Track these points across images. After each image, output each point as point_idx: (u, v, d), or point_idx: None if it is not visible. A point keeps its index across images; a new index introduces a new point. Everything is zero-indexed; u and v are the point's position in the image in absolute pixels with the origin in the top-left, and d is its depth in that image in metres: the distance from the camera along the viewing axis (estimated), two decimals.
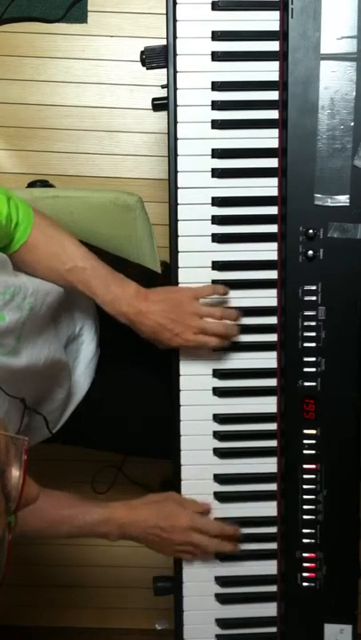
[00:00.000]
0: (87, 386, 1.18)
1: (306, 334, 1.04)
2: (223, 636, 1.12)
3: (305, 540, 1.07)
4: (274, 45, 1.02)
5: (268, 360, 1.07)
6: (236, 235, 1.05)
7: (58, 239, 1.03)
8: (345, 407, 1.05)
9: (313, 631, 1.08)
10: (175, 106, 1.02)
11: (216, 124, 1.03)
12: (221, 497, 1.09)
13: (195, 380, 1.07)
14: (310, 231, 1.02)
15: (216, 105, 1.03)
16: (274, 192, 1.04)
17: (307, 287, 1.03)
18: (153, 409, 1.17)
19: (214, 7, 1.01)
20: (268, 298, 1.06)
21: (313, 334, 1.03)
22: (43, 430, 1.09)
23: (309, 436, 1.05)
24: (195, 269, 1.05)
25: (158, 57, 1.02)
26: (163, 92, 1.04)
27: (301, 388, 1.05)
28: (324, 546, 1.06)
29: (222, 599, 1.11)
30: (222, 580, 1.11)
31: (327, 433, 1.05)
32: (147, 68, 1.03)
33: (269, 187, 1.04)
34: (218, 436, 1.08)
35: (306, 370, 1.04)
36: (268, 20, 1.02)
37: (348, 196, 1.01)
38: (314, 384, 1.04)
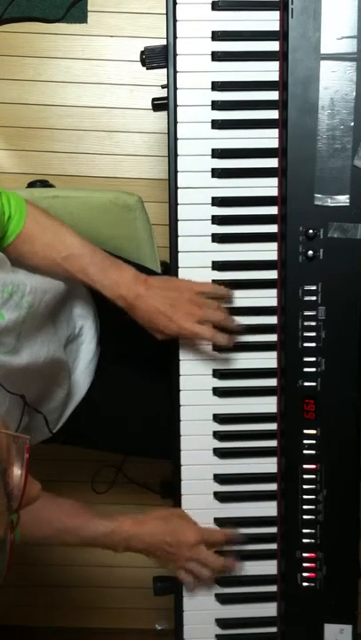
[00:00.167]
0: (87, 385, 1.18)
1: (306, 334, 1.04)
2: (223, 636, 1.12)
3: (305, 540, 1.07)
4: (274, 45, 1.02)
5: (268, 360, 1.07)
6: (236, 235, 1.05)
7: (52, 229, 1.03)
8: (345, 407, 1.05)
9: (313, 631, 1.08)
10: (175, 106, 1.02)
11: (216, 124, 1.03)
12: (221, 497, 1.09)
13: (195, 380, 1.07)
14: (310, 231, 1.02)
15: (216, 105, 1.03)
16: (274, 192, 1.04)
17: (307, 287, 1.03)
18: (153, 409, 1.17)
19: (214, 7, 1.01)
20: (268, 298, 1.06)
21: (313, 334, 1.03)
22: (43, 430, 1.09)
23: (309, 436, 1.05)
24: (195, 269, 1.05)
25: (158, 57, 1.02)
26: (163, 92, 1.04)
27: (301, 388, 1.05)
28: (324, 546, 1.06)
29: (222, 599, 1.11)
30: (222, 580, 1.11)
31: (327, 433, 1.05)
32: (147, 68, 1.03)
33: (269, 187, 1.04)
34: (218, 436, 1.08)
35: (306, 370, 1.04)
36: (268, 20, 1.02)
37: (348, 196, 1.01)
38: (314, 384, 1.04)
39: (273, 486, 1.09)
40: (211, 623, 1.11)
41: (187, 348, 1.06)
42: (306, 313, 1.03)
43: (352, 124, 1.00)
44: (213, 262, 1.05)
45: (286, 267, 1.03)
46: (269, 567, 1.10)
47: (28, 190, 1.56)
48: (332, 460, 1.05)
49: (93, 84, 1.92)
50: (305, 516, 1.06)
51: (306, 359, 1.04)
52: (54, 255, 1.02)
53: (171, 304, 1.01)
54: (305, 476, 1.06)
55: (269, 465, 1.09)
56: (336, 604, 1.08)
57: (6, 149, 1.94)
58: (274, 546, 1.09)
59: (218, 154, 1.03)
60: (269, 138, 1.04)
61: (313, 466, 1.06)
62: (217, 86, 1.02)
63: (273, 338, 1.07)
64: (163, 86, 1.03)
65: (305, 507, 1.06)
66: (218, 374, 1.07)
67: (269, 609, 1.11)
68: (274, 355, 1.07)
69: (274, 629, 1.11)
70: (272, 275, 1.06)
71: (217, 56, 1.02)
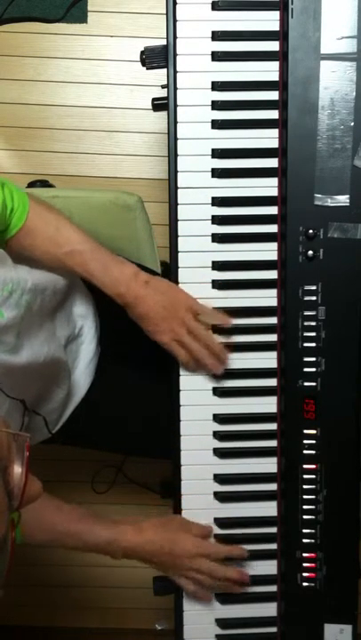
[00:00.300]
0: (87, 386, 1.18)
1: (306, 334, 1.04)
2: (223, 636, 1.12)
3: (305, 540, 1.07)
4: (274, 45, 1.02)
5: (268, 360, 1.07)
6: (236, 235, 1.05)
7: (54, 223, 1.03)
8: (345, 407, 1.05)
9: (313, 631, 1.08)
10: (175, 106, 1.02)
11: (216, 124, 1.03)
12: (221, 497, 1.09)
13: (195, 380, 1.07)
14: (310, 231, 1.02)
15: (216, 105, 1.03)
16: (274, 192, 1.04)
17: (307, 287, 1.03)
18: (153, 409, 1.17)
19: (214, 7, 1.01)
20: (268, 298, 1.06)
21: (313, 334, 1.03)
22: (42, 431, 1.09)
23: (309, 436, 1.05)
24: (195, 269, 1.05)
25: (158, 57, 1.02)
26: (163, 92, 1.04)
27: (301, 388, 1.05)
28: (324, 546, 1.06)
29: (222, 599, 1.11)
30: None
31: (327, 433, 1.05)
32: (147, 68, 1.03)
33: (269, 187, 1.04)
34: (218, 436, 1.08)
35: (306, 370, 1.04)
36: (268, 20, 1.02)
37: (348, 196, 1.01)
38: (314, 384, 1.04)
39: (273, 486, 1.09)
40: (211, 623, 1.11)
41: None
42: (306, 313, 1.03)
43: (352, 123, 1.00)
44: (213, 262, 1.05)
45: (286, 267, 1.03)
46: (269, 567, 1.10)
47: (28, 190, 1.56)
48: (332, 459, 1.05)
49: (93, 83, 1.92)
50: (305, 516, 1.06)
51: (306, 359, 1.04)
52: (56, 250, 1.02)
53: (163, 315, 1.02)
54: (305, 476, 1.06)
55: (269, 465, 1.09)
56: (336, 604, 1.08)
57: (6, 149, 1.94)
58: (274, 546, 1.09)
59: (218, 154, 1.03)
60: (269, 138, 1.04)
61: (313, 466, 1.06)
62: (217, 86, 1.02)
63: (273, 338, 1.07)
64: (163, 86, 1.03)
65: (305, 507, 1.06)
66: (218, 374, 1.07)
67: (269, 609, 1.11)
68: (274, 355, 1.07)
69: (274, 629, 1.11)
70: (272, 275, 1.06)
71: (217, 56, 1.02)
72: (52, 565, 1.94)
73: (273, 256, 1.05)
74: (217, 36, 1.01)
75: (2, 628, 1.89)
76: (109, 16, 1.90)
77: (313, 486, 1.06)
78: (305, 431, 1.05)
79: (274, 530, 1.09)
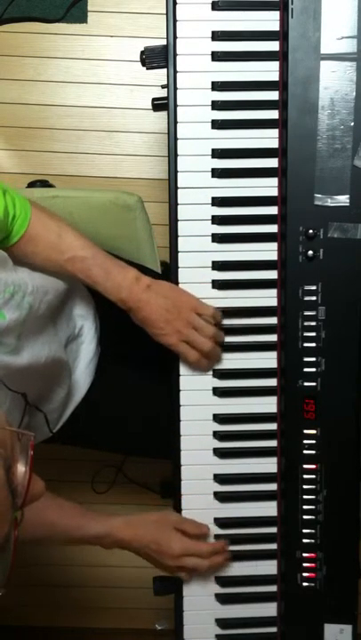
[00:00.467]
0: (87, 386, 1.18)
1: (306, 334, 1.04)
2: (223, 636, 1.12)
3: (305, 540, 1.07)
4: (274, 45, 1.02)
5: (268, 360, 1.07)
6: (236, 235, 1.05)
7: (56, 230, 1.03)
8: (345, 407, 1.05)
9: (313, 631, 1.08)
10: (175, 106, 1.02)
11: (216, 124, 1.03)
12: (221, 497, 1.09)
13: (195, 380, 1.07)
14: (310, 231, 1.02)
15: (216, 105, 1.03)
16: (274, 192, 1.04)
17: (307, 287, 1.03)
18: (153, 409, 1.17)
19: (214, 7, 1.01)
20: (268, 298, 1.06)
21: (313, 334, 1.03)
22: (43, 429, 1.09)
23: (309, 436, 1.05)
24: (195, 269, 1.05)
25: (158, 57, 1.02)
26: (163, 92, 1.04)
27: (301, 388, 1.05)
28: (324, 546, 1.06)
29: (222, 599, 1.11)
30: (222, 580, 1.11)
31: (327, 433, 1.05)
32: (147, 68, 1.03)
33: (269, 187, 1.04)
34: (218, 436, 1.08)
35: (306, 370, 1.04)
36: (268, 20, 1.02)
37: (348, 196, 1.01)
38: (314, 384, 1.04)
39: (273, 486, 1.09)
40: (211, 623, 1.11)
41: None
42: (306, 313, 1.03)
43: (352, 123, 1.00)
44: (213, 262, 1.05)
45: (286, 267, 1.03)
46: (269, 567, 1.10)
47: (28, 190, 1.56)
48: (332, 460, 1.05)
49: (93, 83, 1.92)
50: (305, 516, 1.06)
51: (306, 359, 1.04)
52: (57, 256, 1.02)
53: (167, 318, 1.02)
54: (305, 476, 1.06)
55: (269, 465, 1.09)
56: (336, 604, 1.08)
57: (6, 149, 1.94)
58: (274, 546, 1.09)
59: (218, 154, 1.03)
60: (269, 138, 1.04)
61: (313, 466, 1.06)
62: (217, 86, 1.02)
63: (273, 338, 1.07)
64: (163, 86, 1.03)
65: (305, 507, 1.06)
66: (218, 374, 1.07)
67: (269, 609, 1.11)
68: (274, 355, 1.07)
69: (274, 629, 1.11)
70: (272, 275, 1.06)
71: (217, 56, 1.02)
72: (53, 565, 1.94)
73: (273, 256, 1.05)
74: (217, 35, 1.01)
75: (2, 628, 1.89)
76: (109, 16, 1.90)
77: (313, 486, 1.06)
78: (305, 431, 1.05)
79: (274, 530, 1.09)
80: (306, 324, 1.03)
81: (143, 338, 1.04)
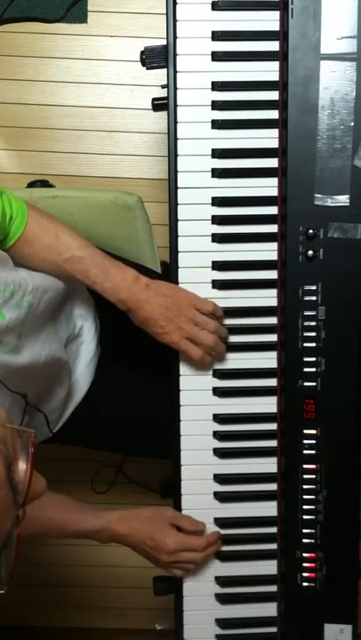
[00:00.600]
0: (87, 386, 1.18)
1: (306, 334, 1.04)
2: (223, 636, 1.12)
3: (305, 540, 1.07)
4: (274, 45, 1.02)
5: (268, 360, 1.07)
6: (236, 235, 1.05)
7: (54, 231, 1.03)
8: (345, 407, 1.05)
9: (313, 631, 1.08)
10: (175, 106, 1.02)
11: (216, 124, 1.03)
12: (221, 497, 1.09)
13: (195, 380, 1.07)
14: (310, 231, 1.02)
15: (216, 105, 1.03)
16: (274, 192, 1.04)
17: (307, 287, 1.03)
18: (153, 409, 1.17)
19: (214, 7, 1.01)
20: (268, 298, 1.06)
21: (313, 334, 1.03)
22: (43, 429, 1.09)
23: (309, 436, 1.05)
24: (195, 269, 1.05)
25: (158, 57, 1.02)
26: (163, 92, 1.04)
27: (301, 388, 1.05)
28: (324, 546, 1.06)
29: (222, 599, 1.11)
30: (222, 580, 1.11)
31: (327, 433, 1.05)
32: (147, 68, 1.03)
33: (269, 187, 1.04)
34: (218, 436, 1.08)
35: (306, 370, 1.04)
36: (268, 19, 1.01)
37: (348, 196, 1.01)
38: (314, 384, 1.04)
39: (273, 486, 1.09)
40: (211, 623, 1.11)
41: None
42: (306, 313, 1.03)
43: (352, 123, 1.00)
44: (213, 262, 1.05)
45: (286, 267, 1.03)
46: (269, 567, 1.10)
47: (28, 190, 1.56)
48: (332, 460, 1.05)
49: (93, 83, 1.92)
50: (305, 516, 1.06)
51: (306, 359, 1.04)
52: (56, 257, 1.02)
53: (167, 316, 1.02)
54: (305, 476, 1.06)
55: (269, 465, 1.09)
56: (336, 604, 1.08)
57: (6, 149, 1.94)
58: (274, 546, 1.09)
59: (218, 154, 1.03)
60: (269, 138, 1.03)
61: (313, 466, 1.06)
62: (217, 86, 1.02)
63: (273, 338, 1.07)
64: (163, 86, 1.03)
65: (305, 507, 1.06)
66: (218, 374, 1.07)
67: (269, 609, 1.11)
68: (274, 355, 1.07)
69: (274, 629, 1.11)
70: (272, 275, 1.06)
71: (217, 56, 1.02)
72: (53, 565, 1.94)
73: (273, 256, 1.05)
74: (217, 35, 1.01)
75: (2, 628, 1.89)
76: (109, 16, 1.90)
77: (313, 486, 1.06)
78: (305, 431, 1.05)
79: (274, 530, 1.09)
80: (306, 324, 1.03)
81: (143, 338, 1.04)
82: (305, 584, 1.07)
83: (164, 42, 1.02)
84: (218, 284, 1.06)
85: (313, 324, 1.03)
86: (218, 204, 1.04)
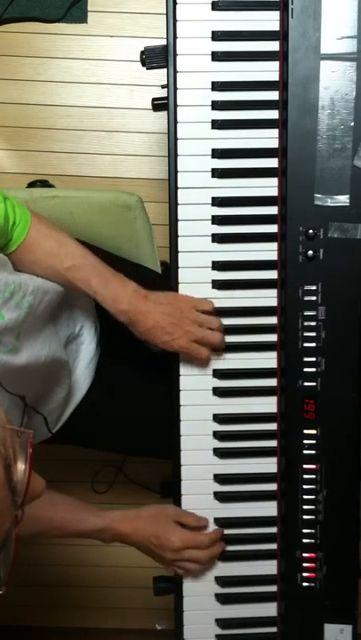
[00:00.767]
0: (87, 386, 1.18)
1: (306, 334, 1.04)
2: (223, 636, 1.12)
3: (305, 540, 1.07)
4: (274, 45, 1.02)
5: (268, 360, 1.07)
6: (236, 235, 1.05)
7: (56, 238, 1.03)
8: (345, 407, 1.05)
9: (313, 631, 1.08)
10: (175, 106, 1.02)
11: (216, 124, 1.03)
12: (221, 497, 1.09)
13: (195, 380, 1.07)
14: (310, 231, 1.02)
15: (216, 105, 1.03)
16: (274, 192, 1.04)
17: (307, 287, 1.03)
18: (153, 409, 1.17)
19: (214, 7, 1.01)
20: (268, 298, 1.06)
21: (313, 334, 1.03)
22: (42, 430, 1.09)
23: (309, 436, 1.05)
24: (195, 269, 1.05)
25: (158, 57, 1.02)
26: (163, 92, 1.04)
27: (301, 388, 1.05)
28: (324, 546, 1.06)
29: (222, 599, 1.11)
30: (222, 580, 1.11)
31: (327, 433, 1.05)
32: (147, 68, 1.03)
33: (269, 187, 1.04)
34: (218, 436, 1.08)
35: (306, 370, 1.04)
36: (268, 19, 1.02)
37: (348, 196, 1.01)
38: (314, 384, 1.04)
39: (273, 486, 1.09)
40: (211, 623, 1.11)
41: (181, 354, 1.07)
42: (306, 313, 1.03)
43: (352, 123, 1.00)
44: (213, 262, 1.05)
45: (286, 267, 1.03)
46: (269, 567, 1.10)
47: (28, 190, 1.56)
48: (332, 460, 1.05)
49: (93, 84, 1.92)
50: (305, 516, 1.06)
51: (306, 359, 1.04)
52: (57, 265, 1.02)
53: (172, 322, 1.02)
54: (305, 476, 1.06)
55: (269, 465, 1.09)
56: (336, 604, 1.08)
57: (6, 149, 1.94)
58: (274, 546, 1.09)
59: (218, 154, 1.03)
60: (269, 138, 1.03)
61: (313, 466, 1.06)
62: (217, 86, 1.02)
63: (273, 338, 1.07)
64: (163, 86, 1.03)
65: (305, 507, 1.06)
66: (218, 374, 1.07)
67: (269, 609, 1.11)
68: (274, 355, 1.07)
69: (274, 629, 1.11)
70: (272, 275, 1.06)
71: (217, 56, 1.02)
72: (53, 565, 1.94)
73: (273, 256, 1.05)
74: (217, 35, 1.01)
75: (2, 628, 1.89)
76: (109, 16, 1.90)
77: (313, 486, 1.06)
78: (305, 431, 1.05)
79: (274, 530, 1.09)
80: (306, 324, 1.03)
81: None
82: (305, 584, 1.07)
83: (164, 42, 1.02)
84: (218, 284, 1.06)
85: (313, 324, 1.03)
86: (218, 204, 1.04)
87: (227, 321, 1.06)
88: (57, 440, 1.16)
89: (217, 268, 1.05)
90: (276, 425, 1.08)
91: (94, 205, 1.36)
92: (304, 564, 1.07)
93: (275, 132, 1.03)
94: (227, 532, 1.10)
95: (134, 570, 1.85)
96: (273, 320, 1.06)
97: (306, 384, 1.04)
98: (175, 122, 1.02)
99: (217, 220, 1.04)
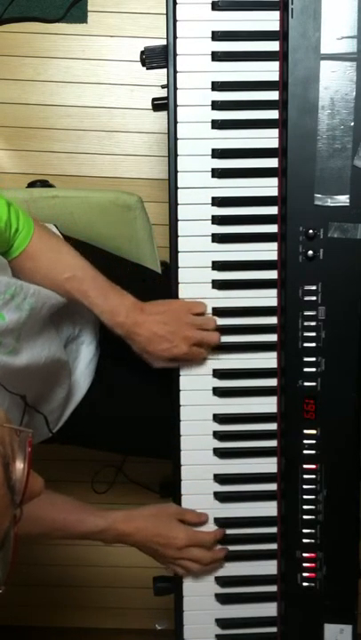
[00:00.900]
0: (87, 386, 1.18)
1: (306, 334, 1.04)
2: (223, 636, 1.12)
3: (305, 540, 1.07)
4: (274, 45, 1.02)
5: (268, 360, 1.07)
6: (236, 235, 1.05)
7: (57, 249, 1.05)
8: (345, 407, 1.05)
9: (313, 631, 1.08)
10: (175, 106, 1.02)
11: (216, 124, 1.03)
12: (221, 497, 1.09)
13: (195, 380, 1.07)
14: (310, 231, 1.02)
15: (216, 105, 1.03)
16: (274, 192, 1.04)
17: (307, 287, 1.03)
18: (153, 409, 1.17)
19: (214, 7, 1.01)
20: (268, 298, 1.06)
21: (313, 334, 1.03)
22: (43, 430, 1.09)
23: (309, 436, 1.05)
24: (195, 269, 1.05)
25: (158, 57, 1.02)
26: (163, 92, 1.04)
27: (301, 388, 1.05)
28: (324, 546, 1.06)
29: (222, 599, 1.11)
30: (222, 580, 1.11)
31: (327, 433, 1.05)
32: (147, 68, 1.03)
33: (269, 187, 1.04)
34: (218, 436, 1.08)
35: (306, 370, 1.04)
36: (268, 19, 1.02)
37: (348, 196, 1.01)
38: (314, 384, 1.04)
39: (273, 486, 1.09)
40: (211, 623, 1.11)
41: (182, 361, 1.07)
42: (306, 313, 1.03)
43: (352, 123, 1.00)
44: (213, 262, 1.05)
45: (286, 267, 1.03)
46: (269, 567, 1.10)
47: (28, 190, 1.56)
48: (332, 460, 1.05)
49: (93, 84, 1.92)
50: (305, 516, 1.06)
51: (306, 359, 1.04)
52: (57, 275, 1.03)
53: (170, 330, 1.03)
54: (305, 476, 1.06)
55: (269, 465, 1.09)
56: (336, 604, 1.08)
57: (6, 149, 1.94)
58: (274, 546, 1.09)
59: (218, 154, 1.03)
60: (269, 138, 1.04)
61: (313, 466, 1.06)
62: (217, 86, 1.02)
63: (273, 338, 1.07)
64: (163, 86, 1.03)
65: (305, 507, 1.06)
66: (218, 374, 1.07)
67: (269, 609, 1.11)
68: (274, 355, 1.07)
69: (274, 629, 1.11)
70: (272, 275, 1.06)
71: (217, 56, 1.02)
72: (53, 565, 1.94)
73: (273, 256, 1.05)
74: (217, 36, 1.01)
75: (2, 628, 1.89)
76: (109, 16, 1.90)
77: (313, 486, 1.06)
78: (305, 431, 1.05)
79: (274, 530, 1.09)
80: (306, 324, 1.03)
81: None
82: (305, 584, 1.07)
83: (164, 42, 1.02)
84: (218, 284, 1.06)
85: (313, 324, 1.03)
86: (218, 204, 1.04)
87: (227, 321, 1.06)
88: (57, 440, 1.16)
89: (217, 268, 1.05)
90: (276, 425, 1.08)
91: (94, 205, 1.36)
92: (304, 564, 1.07)
93: (275, 132, 1.03)
94: (227, 531, 1.10)
95: (134, 570, 1.85)
96: (273, 320, 1.06)
97: (306, 384, 1.05)
98: (175, 122, 1.02)
99: (217, 219, 1.04)
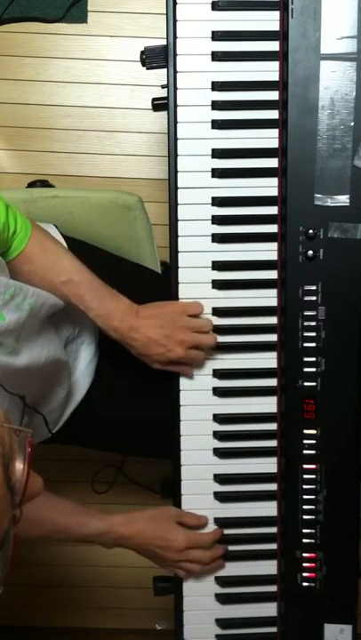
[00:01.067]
0: (87, 386, 1.18)
1: (306, 334, 1.04)
2: (223, 636, 1.12)
3: (305, 540, 1.07)
4: (274, 45, 1.02)
5: (268, 360, 1.07)
6: (236, 235, 1.05)
7: (54, 252, 1.05)
8: (345, 407, 1.05)
9: (313, 631, 1.08)
10: (175, 106, 1.02)
11: (216, 124, 1.03)
12: (221, 497, 1.09)
13: (195, 380, 1.07)
14: (310, 231, 1.02)
15: (216, 105, 1.03)
16: (274, 192, 1.04)
17: (307, 287, 1.03)
18: (152, 409, 1.17)
19: (214, 7, 1.01)
20: (268, 298, 1.06)
21: (313, 334, 1.03)
22: (42, 430, 1.09)
23: (309, 436, 1.05)
24: (195, 269, 1.05)
25: (158, 57, 1.02)
26: (163, 92, 1.04)
27: (301, 388, 1.05)
28: (324, 546, 1.07)
29: (222, 599, 1.11)
30: (222, 580, 1.11)
31: (327, 433, 1.05)
32: (147, 68, 1.03)
33: (269, 187, 1.04)
34: (218, 436, 1.08)
35: (306, 370, 1.04)
36: (268, 19, 1.01)
37: (348, 196, 1.01)
38: (314, 384, 1.04)
39: (273, 486, 1.09)
40: (211, 623, 1.11)
41: (178, 364, 1.07)
42: (306, 313, 1.03)
43: (352, 123, 1.00)
44: (213, 262, 1.05)
45: (286, 267, 1.03)
46: (269, 567, 1.10)
47: (28, 190, 1.56)
48: (332, 460, 1.05)
49: (93, 84, 1.92)
50: (305, 516, 1.06)
51: (306, 359, 1.04)
52: (53, 278, 1.03)
53: (165, 334, 1.02)
54: (305, 476, 1.06)
55: (269, 465, 1.09)
56: (336, 604, 1.08)
57: (6, 149, 1.94)
58: (274, 546, 1.09)
59: (218, 154, 1.03)
60: (269, 138, 1.03)
61: (313, 466, 1.06)
62: (217, 86, 1.02)
63: (273, 338, 1.07)
64: (163, 86, 1.03)
65: (305, 507, 1.06)
66: (218, 374, 1.07)
67: (269, 609, 1.11)
68: (274, 355, 1.07)
69: (274, 629, 1.11)
70: (272, 275, 1.06)
71: (217, 56, 1.02)
72: (53, 565, 1.94)
73: (273, 256, 1.05)
74: (217, 35, 1.01)
75: (2, 628, 1.89)
76: (109, 16, 1.90)
77: (313, 486, 1.06)
78: (305, 431, 1.05)
79: (274, 530, 1.09)
80: (306, 324, 1.03)
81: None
82: (305, 584, 1.07)
83: (164, 42, 1.02)
84: (218, 284, 1.06)
85: (313, 324, 1.03)
86: (218, 204, 1.04)
87: (227, 321, 1.06)
88: (57, 440, 1.16)
89: (217, 268, 1.05)
90: (276, 425, 1.08)
91: (94, 205, 1.36)
92: (304, 564, 1.07)
93: (275, 132, 1.03)
94: (227, 531, 1.10)
95: (134, 570, 1.85)
96: (273, 320, 1.06)
97: (306, 384, 1.05)
98: (175, 122, 1.02)
99: (217, 219, 1.04)
